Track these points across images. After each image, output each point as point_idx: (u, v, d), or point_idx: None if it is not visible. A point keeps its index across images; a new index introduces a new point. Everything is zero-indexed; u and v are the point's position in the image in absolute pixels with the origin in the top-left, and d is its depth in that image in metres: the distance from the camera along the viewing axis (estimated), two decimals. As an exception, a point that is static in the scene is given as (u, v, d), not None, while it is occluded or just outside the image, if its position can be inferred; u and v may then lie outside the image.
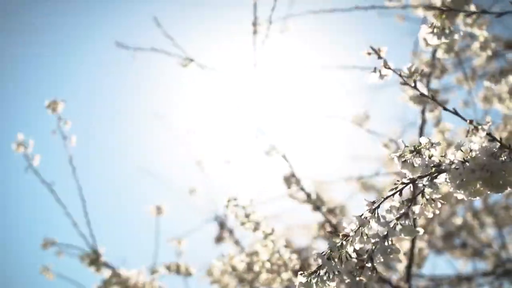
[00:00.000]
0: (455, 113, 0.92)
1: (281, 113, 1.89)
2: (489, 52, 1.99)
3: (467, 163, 0.92)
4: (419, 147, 0.99)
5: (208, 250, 3.50)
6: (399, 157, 1.01)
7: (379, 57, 0.92)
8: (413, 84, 0.93)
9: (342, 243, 0.94)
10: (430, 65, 1.84)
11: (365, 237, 0.93)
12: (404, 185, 0.96)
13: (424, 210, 0.91)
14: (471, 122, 0.88)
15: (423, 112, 1.90)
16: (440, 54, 1.85)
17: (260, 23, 1.88)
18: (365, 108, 2.33)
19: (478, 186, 0.93)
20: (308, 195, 1.84)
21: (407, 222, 0.87)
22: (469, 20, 1.85)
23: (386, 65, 0.93)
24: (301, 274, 0.96)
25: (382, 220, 0.90)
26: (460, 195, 0.94)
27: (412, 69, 0.92)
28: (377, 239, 0.86)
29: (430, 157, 0.97)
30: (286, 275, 1.58)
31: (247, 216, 1.53)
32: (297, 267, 1.57)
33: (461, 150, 0.94)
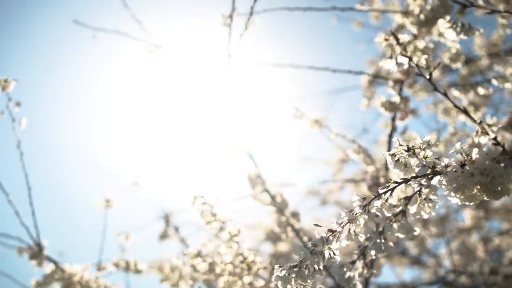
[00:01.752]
0: (465, 111, 0.86)
1: (247, 111, 1.81)
2: (459, 64, 2.00)
3: (465, 166, 0.88)
4: (414, 147, 0.95)
5: (154, 247, 3.40)
6: (393, 155, 0.96)
7: (398, 43, 0.87)
8: (428, 77, 0.87)
9: (328, 238, 0.89)
10: (404, 72, 1.82)
11: (352, 234, 0.89)
12: (397, 184, 0.92)
13: (421, 210, 0.87)
14: (480, 123, 0.84)
15: (393, 119, 1.88)
16: (415, 61, 1.83)
17: (234, 15, 1.80)
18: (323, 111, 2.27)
19: (475, 191, 0.89)
20: (273, 197, 1.77)
21: (404, 220, 0.83)
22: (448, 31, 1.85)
23: (403, 54, 0.88)
24: (279, 267, 0.91)
25: (379, 215, 0.85)
26: (455, 199, 0.90)
27: (430, 62, 0.86)
28: (371, 235, 0.81)
29: (425, 157, 0.93)
30: (247, 279, 1.51)
31: (213, 215, 1.44)
32: (261, 271, 1.50)
33: (460, 153, 0.91)
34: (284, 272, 0.92)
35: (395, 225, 0.82)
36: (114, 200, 2.30)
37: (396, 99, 1.81)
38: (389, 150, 1.93)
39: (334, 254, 0.90)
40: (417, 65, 0.89)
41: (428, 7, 1.77)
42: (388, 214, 0.90)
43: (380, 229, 0.82)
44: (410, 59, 1.85)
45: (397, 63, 0.93)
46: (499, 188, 0.87)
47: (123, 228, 2.48)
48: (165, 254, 3.02)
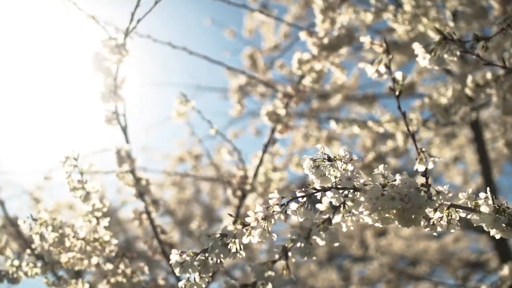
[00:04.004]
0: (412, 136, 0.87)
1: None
2: (317, 85, 2.06)
3: (385, 189, 0.89)
4: (336, 158, 0.94)
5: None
6: (314, 161, 0.94)
7: (386, 52, 0.84)
8: (397, 93, 0.86)
9: (240, 231, 0.83)
10: (295, 89, 1.83)
11: (266, 232, 0.84)
12: (315, 191, 0.89)
13: (344, 222, 0.85)
14: (422, 151, 0.84)
15: (273, 130, 1.88)
16: (307, 81, 1.86)
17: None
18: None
19: (389, 214, 0.90)
20: (138, 180, 1.64)
21: (330, 228, 0.80)
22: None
23: (387, 65, 0.86)
24: (177, 252, 0.83)
25: (308, 218, 0.81)
26: (368, 219, 0.90)
27: (402, 78, 0.85)
28: (296, 238, 0.77)
29: (345, 170, 0.92)
30: (95, 260, 1.37)
31: (81, 182, 1.28)
32: (113, 254, 1.37)
33: (382, 175, 0.91)
34: (185, 258, 0.83)
35: (322, 232, 0.78)
36: None
37: (282, 111, 1.82)
38: (262, 159, 1.92)
39: (240, 249, 0.85)
40: (393, 79, 0.86)
41: (335, 33, 1.82)
42: (301, 219, 0.88)
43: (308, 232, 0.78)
44: (303, 77, 1.89)
45: (379, 73, 0.90)
46: (413, 217, 0.89)
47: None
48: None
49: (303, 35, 1.85)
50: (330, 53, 1.81)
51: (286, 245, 0.77)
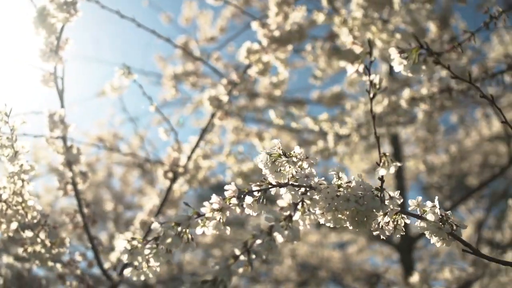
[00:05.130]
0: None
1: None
2: (278, 92, 2.09)
3: (340, 189, 0.89)
4: (292, 155, 0.93)
5: None
6: (270, 156, 0.93)
7: (369, 53, 0.83)
8: (371, 95, 0.85)
9: (195, 221, 0.81)
10: (240, 77, 1.81)
11: (221, 224, 0.82)
12: (270, 186, 0.88)
13: (303, 220, 0.85)
14: (384, 155, 0.85)
15: (212, 115, 1.85)
16: (253, 71, 1.85)
17: None
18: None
19: (343, 215, 0.91)
20: (69, 148, 1.55)
21: (291, 225, 0.79)
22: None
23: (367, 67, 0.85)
24: (131, 238, 0.79)
25: (264, 212, 0.80)
26: (321, 219, 0.90)
27: (378, 81, 0.85)
28: (258, 234, 0.75)
29: (301, 168, 0.92)
30: (13, 225, 1.28)
31: (10, 139, 1.18)
32: (36, 221, 1.28)
33: (338, 176, 0.92)
34: (135, 246, 0.79)
35: (284, 228, 0.77)
36: None
37: (225, 98, 1.79)
38: (198, 142, 1.89)
39: (191, 239, 0.82)
40: (371, 82, 0.86)
41: (288, 27, 1.82)
42: (255, 213, 0.87)
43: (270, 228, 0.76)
44: (249, 66, 1.88)
45: (357, 71, 0.90)
46: (364, 219, 0.90)
47: None
48: None
49: (255, 24, 1.83)
50: (279, 46, 1.81)
51: (248, 241, 0.75)
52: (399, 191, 0.92)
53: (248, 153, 2.44)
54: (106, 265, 1.78)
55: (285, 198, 0.83)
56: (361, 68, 0.87)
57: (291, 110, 2.93)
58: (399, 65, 0.84)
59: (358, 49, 0.95)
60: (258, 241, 0.74)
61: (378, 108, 2.06)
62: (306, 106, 3.68)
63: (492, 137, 4.52)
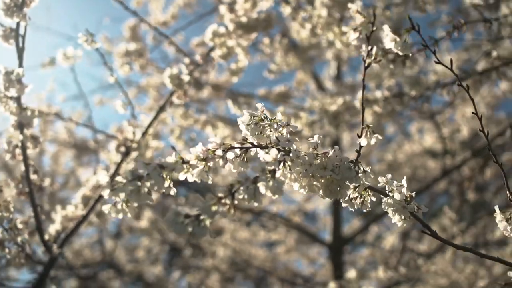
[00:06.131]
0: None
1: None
2: (235, 79, 2.10)
3: (317, 158, 0.92)
4: (274, 120, 0.95)
5: None
6: (253, 117, 0.94)
7: (371, 23, 0.85)
8: (366, 64, 0.88)
9: (182, 166, 0.81)
10: (203, 58, 1.81)
11: (205, 173, 0.83)
12: (252, 146, 0.90)
13: (284, 177, 0.86)
14: (367, 126, 0.88)
15: (171, 93, 1.84)
16: (215, 54, 1.85)
17: None
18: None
19: (316, 182, 0.93)
20: (24, 109, 1.48)
21: (274, 178, 0.81)
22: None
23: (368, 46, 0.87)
24: (114, 174, 0.78)
25: (258, 164, 0.81)
26: (295, 185, 0.92)
27: (375, 52, 0.87)
28: (243, 180, 0.77)
29: (281, 133, 0.94)
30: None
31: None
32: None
33: (316, 145, 0.94)
34: (118, 181, 0.78)
35: (268, 180, 0.78)
36: None
37: (186, 77, 1.78)
38: (155, 118, 1.87)
39: (171, 185, 0.81)
40: (367, 52, 0.89)
41: (255, 15, 1.83)
42: (234, 170, 0.87)
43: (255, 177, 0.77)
44: (212, 49, 1.88)
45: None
46: (338, 189, 0.93)
47: None
48: None
49: (223, 9, 1.84)
50: (244, 33, 1.82)
51: (233, 185, 0.75)
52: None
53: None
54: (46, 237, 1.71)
55: (272, 153, 0.84)
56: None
57: (239, 102, 2.94)
58: (391, 42, 0.87)
59: (359, 19, 0.97)
60: (244, 188, 0.76)
61: (332, 107, 2.11)
62: (254, 101, 3.70)
63: (425, 151, 4.72)
